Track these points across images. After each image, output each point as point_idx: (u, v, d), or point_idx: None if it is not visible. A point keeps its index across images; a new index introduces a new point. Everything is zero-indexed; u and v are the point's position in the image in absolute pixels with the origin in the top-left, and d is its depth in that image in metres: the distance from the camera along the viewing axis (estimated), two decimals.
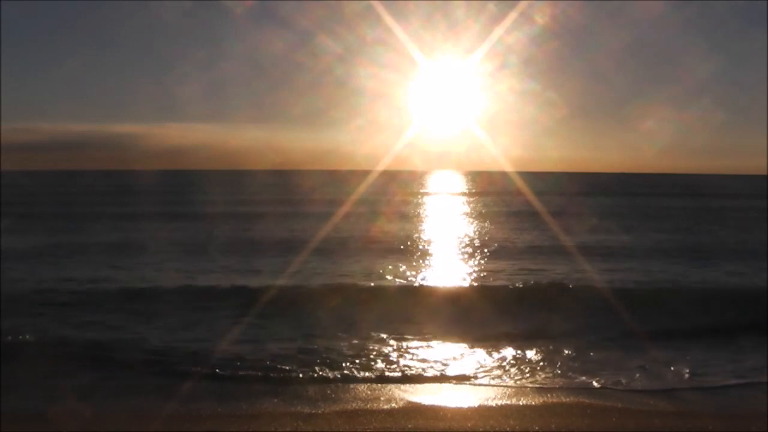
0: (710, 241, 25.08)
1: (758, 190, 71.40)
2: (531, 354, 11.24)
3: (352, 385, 9.77)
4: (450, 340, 12.16)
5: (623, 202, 50.91)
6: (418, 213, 35.70)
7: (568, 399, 9.21)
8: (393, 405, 9.01)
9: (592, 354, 11.27)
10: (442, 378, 10.21)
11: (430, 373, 10.40)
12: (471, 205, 42.79)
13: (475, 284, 17.09)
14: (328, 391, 9.50)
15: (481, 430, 8.03)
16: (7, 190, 57.53)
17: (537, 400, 9.15)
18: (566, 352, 11.35)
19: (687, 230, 28.64)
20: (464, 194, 65.90)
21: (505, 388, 9.69)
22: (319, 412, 8.73)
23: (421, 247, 22.99)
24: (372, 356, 11.09)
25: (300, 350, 11.41)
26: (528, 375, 10.28)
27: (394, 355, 11.22)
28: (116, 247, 23.30)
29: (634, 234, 26.96)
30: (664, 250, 21.74)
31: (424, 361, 10.99)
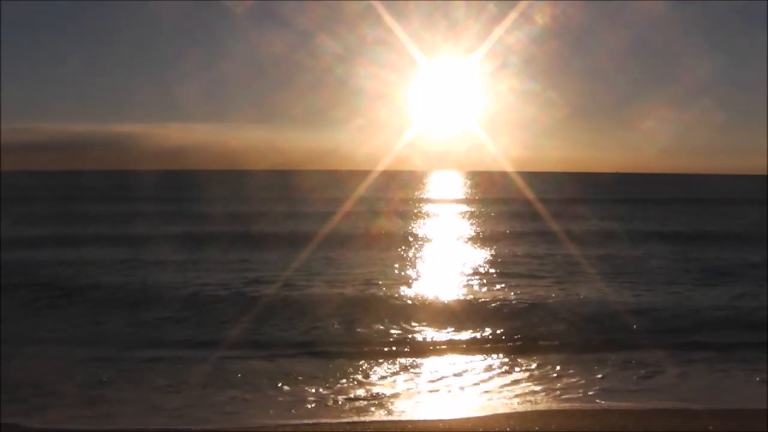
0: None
1: None
2: (530, 355, 11.25)
3: (352, 384, 9.77)
4: (449, 344, 12.18)
5: (639, 211, 46.46)
6: (412, 237, 30.13)
7: (568, 399, 9.21)
8: (394, 405, 9.02)
9: (590, 354, 11.28)
10: (443, 378, 10.21)
11: (431, 374, 10.42)
12: (473, 219, 41.24)
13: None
14: (329, 391, 9.51)
15: (481, 430, 8.04)
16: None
17: (537, 401, 9.16)
18: (565, 353, 11.36)
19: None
20: (465, 201, 64.30)
21: (505, 389, 9.69)
22: (320, 411, 8.74)
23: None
24: (372, 356, 11.12)
25: (300, 352, 11.46)
26: (528, 376, 10.29)
27: (394, 356, 11.24)
28: None
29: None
30: None
31: (424, 361, 11.01)
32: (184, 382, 9.83)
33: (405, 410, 8.85)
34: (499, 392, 9.55)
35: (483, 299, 15.44)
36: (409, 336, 12.49)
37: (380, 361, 10.89)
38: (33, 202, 48.66)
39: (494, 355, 11.23)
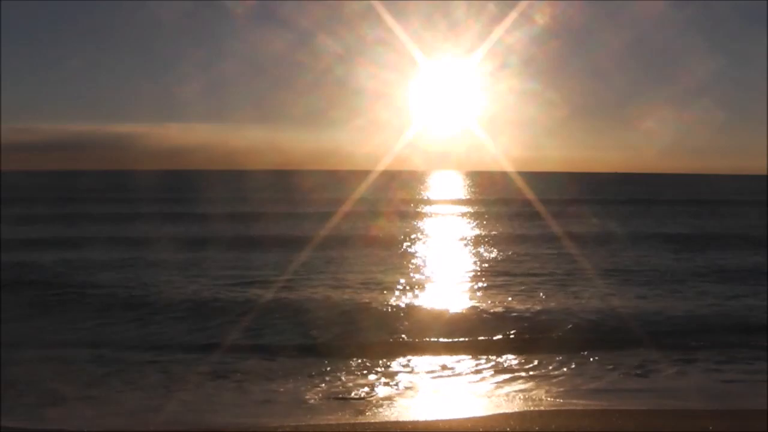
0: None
1: None
2: (530, 355, 11.26)
3: (352, 385, 9.78)
4: (449, 344, 12.19)
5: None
6: (413, 238, 28.33)
7: (568, 399, 9.21)
8: (394, 405, 9.02)
9: (590, 354, 11.28)
10: (442, 379, 10.22)
11: (430, 374, 10.42)
12: (473, 219, 40.82)
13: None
14: (329, 391, 9.51)
15: (481, 430, 8.04)
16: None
17: (537, 401, 9.16)
18: (565, 353, 11.36)
19: None
20: (465, 201, 63.45)
21: (506, 388, 9.69)
22: (320, 412, 8.75)
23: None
24: (372, 357, 11.12)
25: (299, 352, 11.49)
26: (528, 376, 10.29)
27: (394, 356, 11.25)
28: None
29: None
30: None
31: (424, 361, 11.01)
32: (183, 382, 9.83)
33: (405, 410, 8.85)
34: (499, 392, 9.55)
35: (483, 299, 15.44)
36: (409, 336, 12.49)
37: (380, 361, 10.88)
38: (33, 203, 48.64)
39: (494, 355, 11.23)
